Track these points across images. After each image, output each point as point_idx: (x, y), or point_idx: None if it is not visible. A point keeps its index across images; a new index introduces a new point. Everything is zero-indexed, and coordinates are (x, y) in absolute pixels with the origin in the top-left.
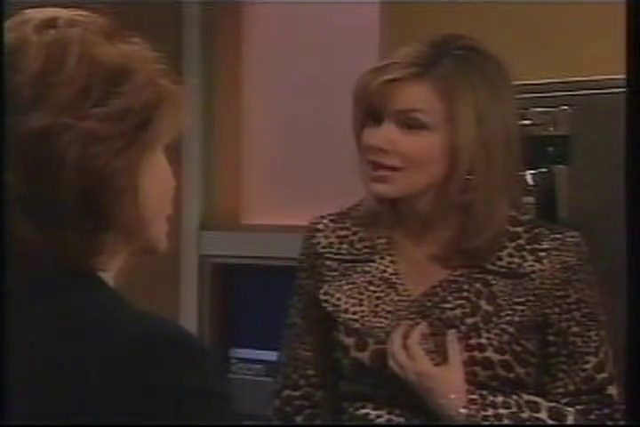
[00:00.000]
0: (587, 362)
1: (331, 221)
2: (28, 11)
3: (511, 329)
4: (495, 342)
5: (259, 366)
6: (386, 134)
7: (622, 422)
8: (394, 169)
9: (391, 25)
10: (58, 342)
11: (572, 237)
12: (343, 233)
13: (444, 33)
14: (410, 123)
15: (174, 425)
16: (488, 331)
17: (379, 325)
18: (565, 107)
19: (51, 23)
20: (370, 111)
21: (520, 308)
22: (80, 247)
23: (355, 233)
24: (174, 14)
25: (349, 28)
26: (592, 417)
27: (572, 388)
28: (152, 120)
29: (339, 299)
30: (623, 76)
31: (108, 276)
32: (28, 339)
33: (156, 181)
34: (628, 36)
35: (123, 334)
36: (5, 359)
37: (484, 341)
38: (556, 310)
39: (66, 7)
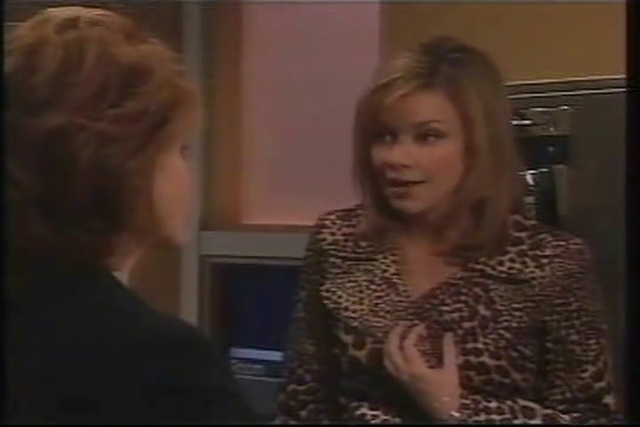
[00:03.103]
0: (584, 371)
1: (338, 217)
2: (50, 10)
3: (508, 335)
4: (491, 347)
5: (259, 366)
6: (405, 150)
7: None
8: (416, 183)
9: (391, 25)
10: (71, 342)
11: (575, 244)
12: (349, 231)
13: (430, 37)
14: (428, 134)
15: (179, 425)
16: (485, 336)
17: (377, 324)
18: (565, 107)
19: (71, 23)
20: (382, 128)
21: (518, 314)
22: (93, 247)
23: (360, 228)
24: (174, 14)
25: (349, 28)
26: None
27: (568, 395)
28: (168, 121)
29: (340, 296)
30: (623, 76)
31: (122, 275)
32: (40, 338)
33: (170, 182)
34: (628, 36)
35: (137, 333)
36: (7, 360)
37: (480, 345)
38: (556, 317)
39: (65, 7)
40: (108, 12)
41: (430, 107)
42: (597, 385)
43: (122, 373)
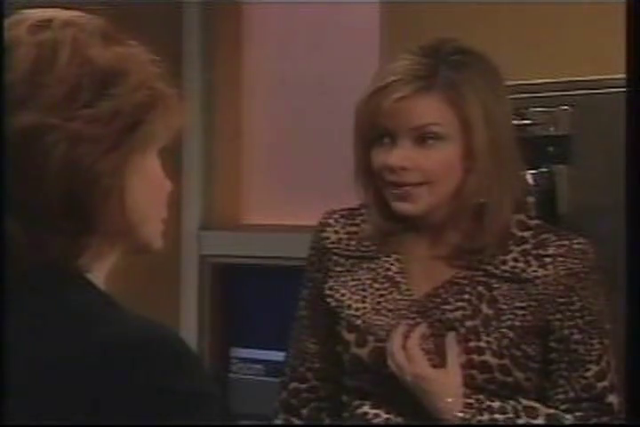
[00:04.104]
0: (588, 370)
1: (342, 216)
2: (28, 11)
3: (511, 334)
4: (494, 346)
5: (259, 366)
6: (404, 152)
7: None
8: (416, 185)
9: (391, 25)
10: (40, 343)
11: (579, 243)
12: (353, 229)
13: (431, 39)
14: (426, 137)
15: (164, 426)
16: (487, 334)
17: (379, 322)
18: (565, 107)
19: (45, 24)
20: (381, 131)
21: (521, 313)
22: (63, 248)
23: (364, 230)
24: (174, 15)
25: (349, 28)
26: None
27: (572, 395)
28: (142, 123)
29: (343, 295)
30: (623, 76)
31: (98, 276)
32: (10, 339)
33: (145, 185)
34: (628, 36)
35: (104, 334)
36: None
37: (482, 344)
38: (559, 316)
39: (65, 8)
40: (84, 14)
41: (429, 110)
42: (601, 384)
43: (88, 373)
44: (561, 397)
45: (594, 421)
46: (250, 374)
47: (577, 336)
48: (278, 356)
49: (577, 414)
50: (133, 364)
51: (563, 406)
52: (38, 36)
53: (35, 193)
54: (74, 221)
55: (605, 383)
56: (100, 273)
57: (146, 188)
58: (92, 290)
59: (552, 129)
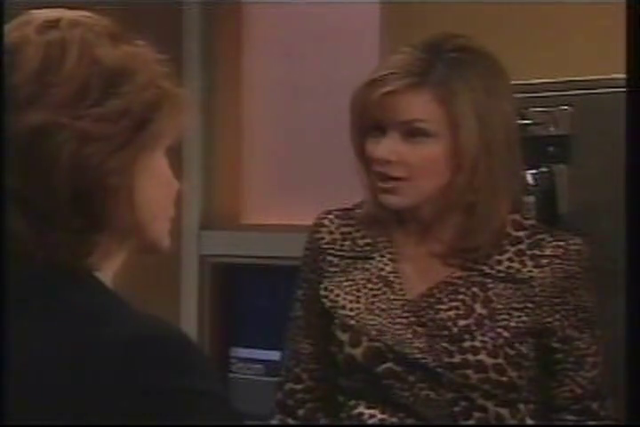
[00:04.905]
0: (587, 363)
1: (336, 217)
2: (35, 11)
3: (506, 333)
4: (489, 346)
5: (259, 366)
6: (390, 146)
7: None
8: (401, 179)
9: (391, 26)
10: (49, 342)
11: (575, 244)
12: (347, 230)
13: (436, 34)
14: (413, 133)
15: (171, 425)
16: (482, 334)
17: (372, 322)
18: (565, 107)
19: (53, 24)
20: (372, 123)
21: (517, 313)
22: (72, 247)
23: (358, 230)
24: (174, 15)
25: (350, 28)
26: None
27: (579, 391)
28: (150, 121)
29: (337, 295)
30: (623, 76)
31: (106, 275)
32: (19, 338)
33: (153, 184)
34: (628, 36)
35: (113, 333)
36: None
37: (477, 344)
38: (557, 316)
39: (65, 8)
40: (90, 14)
41: (417, 106)
42: (598, 374)
43: (97, 372)
44: (568, 395)
45: (602, 413)
46: (250, 374)
47: (575, 334)
48: (278, 356)
49: (586, 413)
50: (139, 362)
51: (574, 407)
52: (47, 36)
53: (43, 192)
54: (82, 219)
55: (598, 372)
56: (108, 272)
57: (154, 186)
58: (101, 289)
59: (552, 129)
